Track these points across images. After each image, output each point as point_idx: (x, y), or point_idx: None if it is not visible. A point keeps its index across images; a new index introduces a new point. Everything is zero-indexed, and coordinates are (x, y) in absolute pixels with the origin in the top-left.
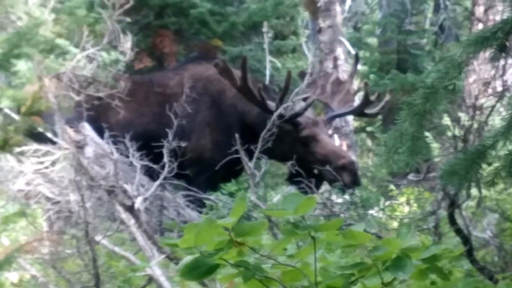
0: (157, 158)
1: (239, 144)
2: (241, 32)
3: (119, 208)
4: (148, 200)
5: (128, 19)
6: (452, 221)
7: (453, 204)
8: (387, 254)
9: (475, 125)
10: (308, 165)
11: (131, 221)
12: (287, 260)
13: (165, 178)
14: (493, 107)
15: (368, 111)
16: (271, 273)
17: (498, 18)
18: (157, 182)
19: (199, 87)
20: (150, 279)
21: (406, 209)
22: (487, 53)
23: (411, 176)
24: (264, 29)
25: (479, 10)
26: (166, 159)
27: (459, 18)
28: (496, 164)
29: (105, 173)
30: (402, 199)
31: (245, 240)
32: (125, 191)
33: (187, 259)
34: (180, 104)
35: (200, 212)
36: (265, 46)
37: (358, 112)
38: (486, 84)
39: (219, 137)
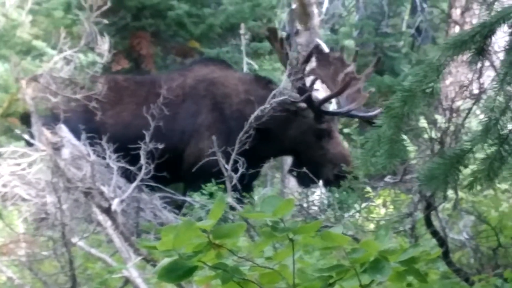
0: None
1: (216, 146)
2: (218, 34)
3: (96, 210)
4: (125, 202)
5: (106, 21)
6: (428, 223)
7: (430, 206)
8: (365, 257)
9: (452, 128)
10: (313, 159)
11: (108, 223)
12: (265, 262)
13: (142, 180)
14: (469, 109)
15: (365, 114)
16: (249, 275)
17: (474, 20)
18: (134, 184)
19: (202, 89)
20: (127, 281)
21: (382, 211)
22: (465, 56)
23: (387, 178)
24: (242, 31)
25: (456, 13)
26: (142, 161)
27: (436, 20)
28: (474, 167)
29: (82, 175)
30: (379, 201)
31: (223, 242)
32: (102, 193)
33: (165, 261)
34: (158, 106)
35: (177, 214)
36: (242, 48)
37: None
38: (463, 87)
39: (219, 142)
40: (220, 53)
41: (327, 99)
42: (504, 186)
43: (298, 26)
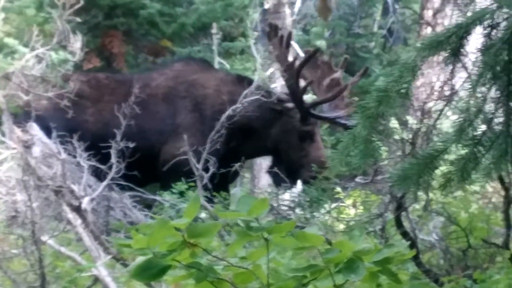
0: (137, 159)
1: (187, 145)
2: (190, 33)
3: (66, 208)
4: (95, 200)
5: (78, 19)
6: (398, 224)
7: (400, 207)
8: (340, 257)
9: (423, 129)
10: (294, 159)
11: (78, 222)
12: (238, 262)
13: (112, 179)
14: (441, 111)
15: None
16: (223, 275)
17: (446, 22)
18: (104, 183)
19: (182, 90)
20: (96, 279)
21: (352, 211)
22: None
23: (358, 179)
24: (214, 31)
25: (428, 14)
26: (113, 159)
27: (408, 21)
28: (446, 168)
29: (53, 173)
30: (349, 201)
31: (198, 241)
32: (72, 192)
33: (139, 259)
34: (129, 105)
35: (146, 213)
36: (214, 47)
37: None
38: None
39: (197, 142)
40: (192, 52)
41: (318, 103)
42: (473, 187)
43: None
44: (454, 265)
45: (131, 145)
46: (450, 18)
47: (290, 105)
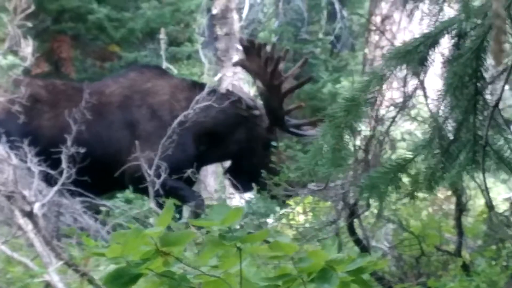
0: (89, 165)
1: (138, 151)
2: (138, 38)
3: (17, 214)
4: (45, 206)
5: (30, 24)
6: (351, 231)
7: (353, 214)
8: (313, 266)
9: (376, 136)
10: (255, 166)
11: (29, 227)
12: (210, 270)
13: (63, 184)
14: (393, 118)
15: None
16: (194, 283)
17: (395, 28)
18: (55, 188)
19: (137, 99)
20: (48, 285)
21: (300, 218)
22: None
23: (311, 186)
24: (161, 36)
25: (376, 20)
26: (64, 165)
27: (355, 27)
28: (413, 177)
29: (4, 179)
30: (299, 208)
31: (170, 250)
32: (24, 197)
33: (110, 267)
34: (79, 110)
35: (96, 219)
36: (162, 52)
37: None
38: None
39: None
40: (139, 57)
41: (300, 125)
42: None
43: (218, 32)
44: (407, 272)
45: (82, 150)
46: (399, 24)
47: (257, 112)
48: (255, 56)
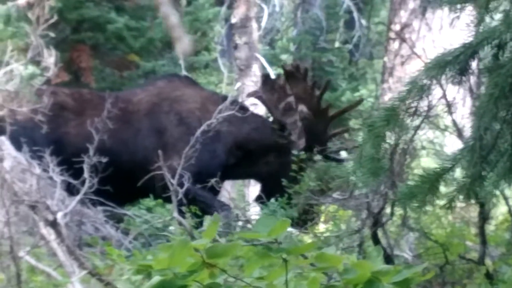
0: (113, 174)
1: (162, 160)
2: (157, 47)
3: (40, 223)
4: (68, 215)
5: (52, 34)
6: (375, 240)
7: (377, 223)
8: (359, 278)
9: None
10: (283, 190)
11: (52, 236)
12: (254, 282)
13: (85, 194)
14: (418, 126)
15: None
16: None
17: (414, 36)
18: (78, 197)
19: (165, 105)
20: None
21: (321, 226)
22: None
23: (336, 195)
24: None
25: (395, 28)
26: (86, 174)
27: (374, 36)
28: (453, 187)
29: (28, 188)
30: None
31: (216, 261)
32: (47, 207)
33: (155, 279)
34: (102, 119)
35: (117, 228)
36: (181, 61)
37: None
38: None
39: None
40: (156, 66)
41: (336, 135)
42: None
43: (238, 41)
44: (432, 281)
45: (104, 160)
46: (418, 32)
47: (294, 138)
48: (300, 80)
